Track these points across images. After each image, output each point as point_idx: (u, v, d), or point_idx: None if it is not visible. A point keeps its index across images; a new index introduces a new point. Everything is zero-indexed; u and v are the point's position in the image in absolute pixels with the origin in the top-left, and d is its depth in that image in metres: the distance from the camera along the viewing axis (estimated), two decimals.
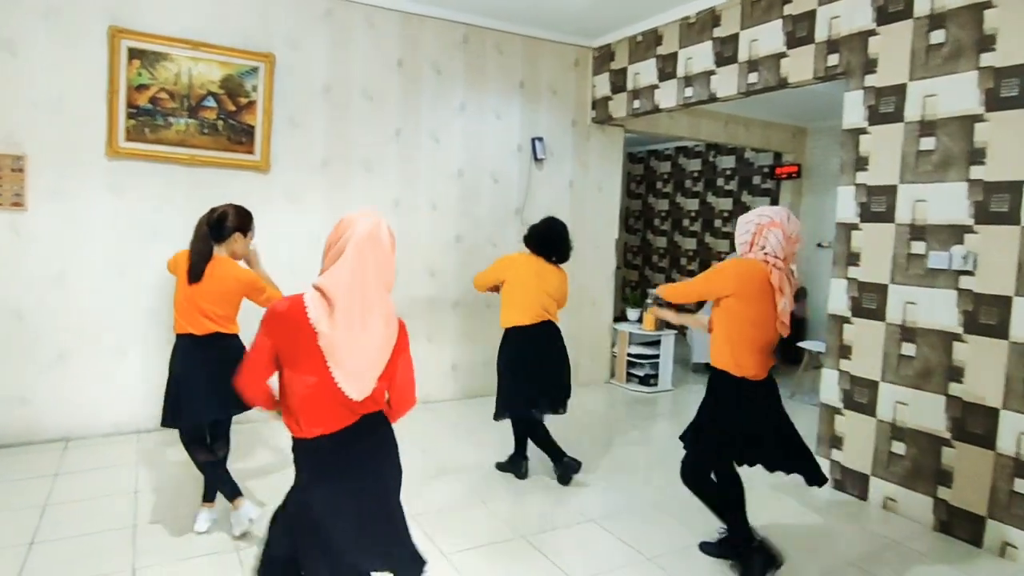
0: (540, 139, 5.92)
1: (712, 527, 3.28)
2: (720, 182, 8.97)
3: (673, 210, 9.77)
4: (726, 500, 2.95)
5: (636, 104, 5.73)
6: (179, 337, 3.11)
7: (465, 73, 5.57)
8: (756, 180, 8.49)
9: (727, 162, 8.86)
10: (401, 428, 2.00)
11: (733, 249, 8.41)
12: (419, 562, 1.95)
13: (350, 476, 1.82)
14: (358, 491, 1.83)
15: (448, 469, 4.17)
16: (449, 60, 5.48)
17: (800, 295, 7.44)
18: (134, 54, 4.28)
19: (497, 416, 3.94)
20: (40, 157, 4.15)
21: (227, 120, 4.61)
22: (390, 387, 1.90)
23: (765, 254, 2.74)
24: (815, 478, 2.87)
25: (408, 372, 1.95)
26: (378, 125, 5.22)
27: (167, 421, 3.14)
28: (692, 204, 9.43)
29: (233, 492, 3.17)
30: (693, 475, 2.97)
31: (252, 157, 4.73)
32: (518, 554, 3.16)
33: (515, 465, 4.09)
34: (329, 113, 5.01)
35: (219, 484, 3.19)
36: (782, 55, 4.37)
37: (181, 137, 4.49)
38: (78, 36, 4.18)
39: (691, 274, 9.44)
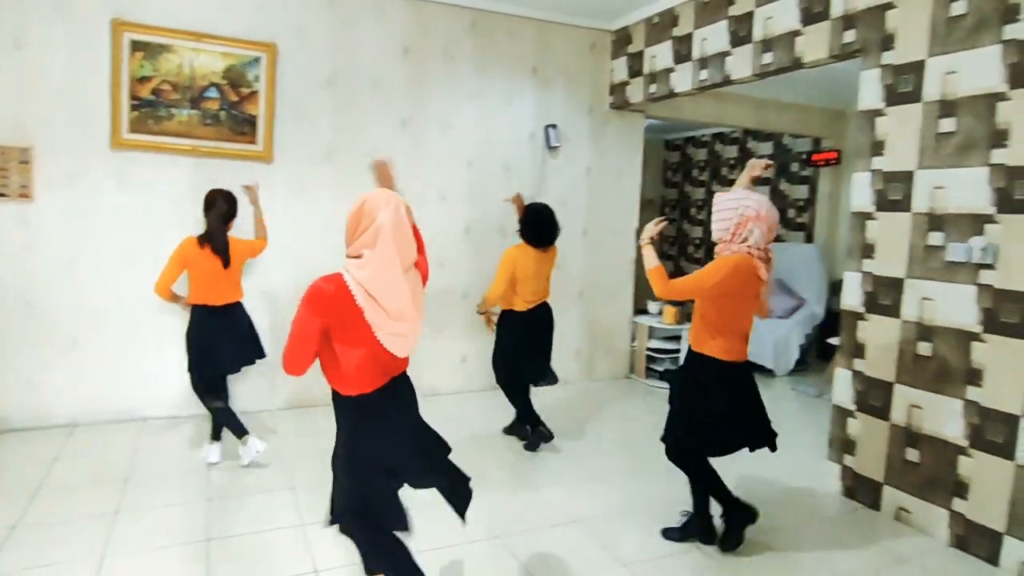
0: (554, 126, 5.75)
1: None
2: None
3: (709, 199, 9.42)
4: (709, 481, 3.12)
5: (652, 89, 5.52)
6: (201, 307, 3.74)
7: (475, 60, 5.45)
8: (794, 167, 8.09)
9: (764, 148, 8.46)
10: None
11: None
12: (466, 479, 2.34)
13: (398, 419, 2.15)
14: (410, 427, 2.20)
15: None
16: (458, 46, 5.37)
17: (838, 289, 7.03)
18: (137, 46, 4.32)
19: (500, 380, 4.45)
20: (46, 149, 4.24)
21: (229, 111, 4.63)
22: None
23: (748, 246, 2.79)
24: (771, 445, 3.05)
25: None
26: (385, 114, 5.16)
27: (194, 369, 3.80)
28: None
29: (241, 430, 3.81)
30: (681, 454, 3.10)
31: (255, 147, 4.73)
32: (487, 557, 3.06)
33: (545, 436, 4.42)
34: (334, 103, 4.98)
35: (229, 424, 3.81)
36: (796, 33, 4.12)
37: (184, 128, 4.52)
38: (82, 29, 4.25)
39: None
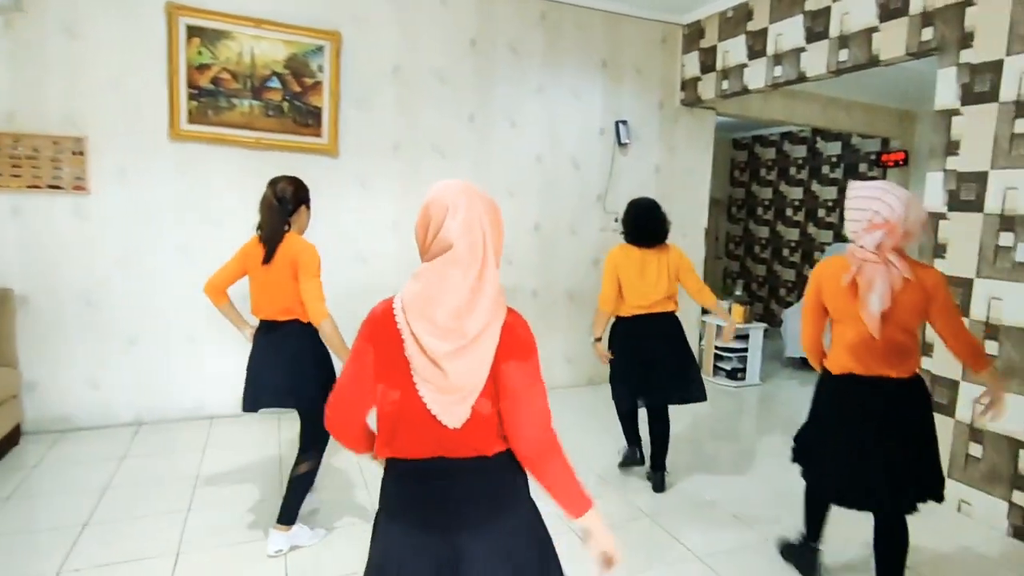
0: (624, 122, 5.49)
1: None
2: (825, 169, 8.28)
3: (777, 199, 9.13)
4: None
5: (725, 85, 5.27)
6: (260, 322, 2.93)
7: (543, 53, 5.20)
8: (863, 167, 7.77)
9: (832, 148, 8.17)
10: None
11: (838, 240, 7.82)
12: None
13: (433, 520, 1.42)
14: (444, 543, 1.41)
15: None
16: (525, 39, 5.12)
17: None
18: (193, 32, 4.12)
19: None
20: (101, 140, 4.05)
21: (293, 102, 4.41)
22: (502, 411, 1.42)
23: (863, 248, 2.31)
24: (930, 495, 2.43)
25: (527, 392, 1.42)
26: (451, 108, 4.93)
27: (245, 406, 2.90)
28: (796, 192, 8.77)
29: (290, 517, 2.86)
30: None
31: (319, 140, 4.51)
32: (563, 550, 2.90)
33: (630, 458, 3.94)
34: (399, 95, 4.75)
35: (289, 501, 2.87)
36: (874, 30, 3.96)
37: (246, 119, 4.31)
38: (135, 14, 4.04)
39: (792, 266, 8.87)
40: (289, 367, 2.80)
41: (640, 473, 3.85)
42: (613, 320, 3.67)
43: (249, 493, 3.38)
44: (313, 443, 2.88)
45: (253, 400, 2.86)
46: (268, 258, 2.76)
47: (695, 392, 3.57)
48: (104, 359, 4.19)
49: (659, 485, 3.64)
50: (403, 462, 1.44)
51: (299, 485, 2.86)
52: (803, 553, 2.82)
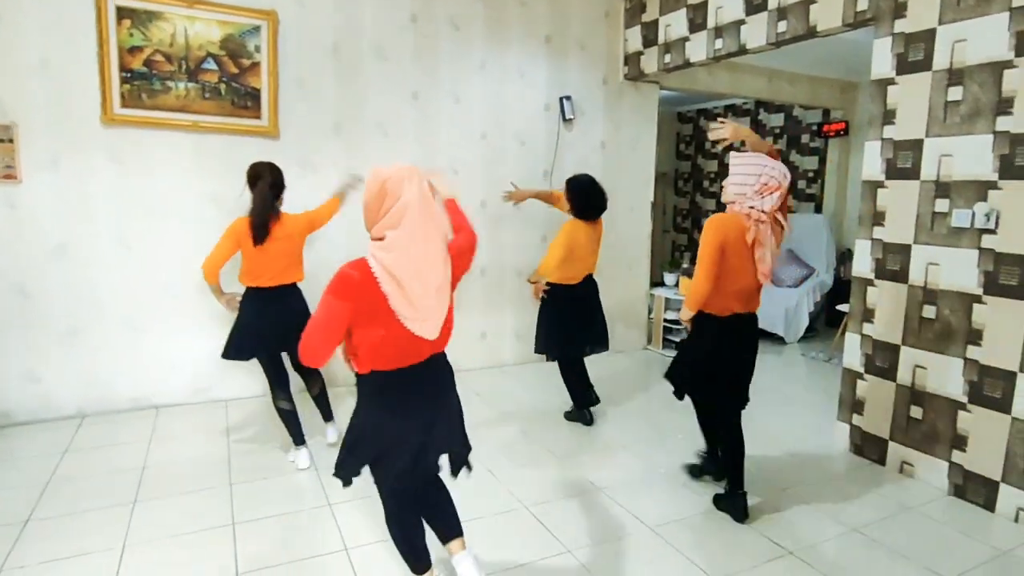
0: (568, 98, 5.51)
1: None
2: (768, 141, 8.33)
3: (722, 172, 9.21)
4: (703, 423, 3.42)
5: (667, 59, 5.31)
6: (249, 289, 3.40)
7: (485, 28, 5.16)
8: (805, 139, 7.91)
9: (776, 120, 8.28)
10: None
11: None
12: (467, 449, 2.26)
13: (414, 410, 2.04)
14: (425, 423, 2.07)
15: None
16: (467, 14, 5.08)
17: (845, 257, 7.05)
18: (123, 13, 3.99)
19: (549, 357, 4.29)
20: (31, 126, 3.91)
21: (230, 83, 4.32)
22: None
23: (751, 208, 2.76)
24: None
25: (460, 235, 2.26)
26: (393, 86, 4.88)
27: (231, 354, 3.43)
28: None
29: (298, 438, 3.59)
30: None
31: (259, 122, 4.44)
32: (514, 524, 3.04)
33: (581, 415, 4.35)
34: (340, 74, 4.68)
35: (288, 427, 3.57)
36: (811, 1, 4.02)
37: (182, 102, 4.21)
38: None
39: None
40: (299, 320, 3.03)
41: (590, 448, 3.94)
42: (548, 287, 4.09)
43: (197, 483, 3.35)
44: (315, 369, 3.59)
45: (264, 349, 3.42)
46: (260, 240, 3.25)
47: (607, 342, 4.27)
48: (43, 351, 4.10)
49: (587, 415, 4.26)
50: (383, 373, 1.97)
51: (324, 395, 3.76)
52: (732, 500, 3.11)
